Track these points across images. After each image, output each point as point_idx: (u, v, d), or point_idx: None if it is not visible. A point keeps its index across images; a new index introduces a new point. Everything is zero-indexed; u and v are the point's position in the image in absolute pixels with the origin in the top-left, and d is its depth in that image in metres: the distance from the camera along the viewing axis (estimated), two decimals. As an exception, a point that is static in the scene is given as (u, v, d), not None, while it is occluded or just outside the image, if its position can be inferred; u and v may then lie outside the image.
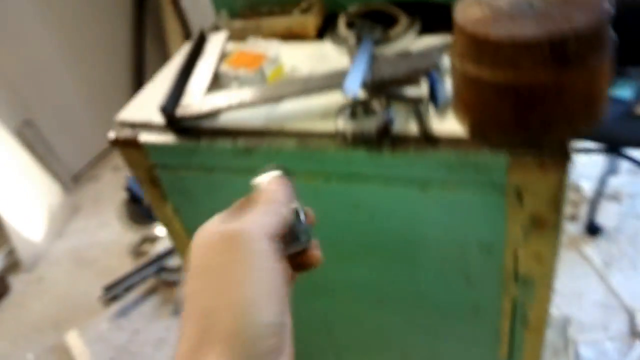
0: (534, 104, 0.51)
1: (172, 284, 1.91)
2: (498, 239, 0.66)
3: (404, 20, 0.80)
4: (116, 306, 1.91)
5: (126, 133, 0.74)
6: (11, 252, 2.18)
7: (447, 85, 0.64)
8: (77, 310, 1.96)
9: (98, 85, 2.47)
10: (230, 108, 0.68)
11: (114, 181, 2.49)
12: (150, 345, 1.76)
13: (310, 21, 0.83)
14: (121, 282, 1.90)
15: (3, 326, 1.99)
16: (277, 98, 0.67)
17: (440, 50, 0.69)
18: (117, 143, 0.75)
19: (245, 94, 0.69)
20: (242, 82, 0.74)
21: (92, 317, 1.92)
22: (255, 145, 0.67)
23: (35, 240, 2.22)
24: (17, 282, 2.16)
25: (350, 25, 0.81)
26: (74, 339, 1.84)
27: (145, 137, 0.72)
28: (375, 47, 0.75)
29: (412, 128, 0.62)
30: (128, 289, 1.90)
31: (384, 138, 0.62)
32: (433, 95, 0.64)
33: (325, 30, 0.85)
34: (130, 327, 1.84)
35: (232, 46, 0.87)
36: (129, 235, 2.17)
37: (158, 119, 0.71)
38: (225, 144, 0.68)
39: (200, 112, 0.69)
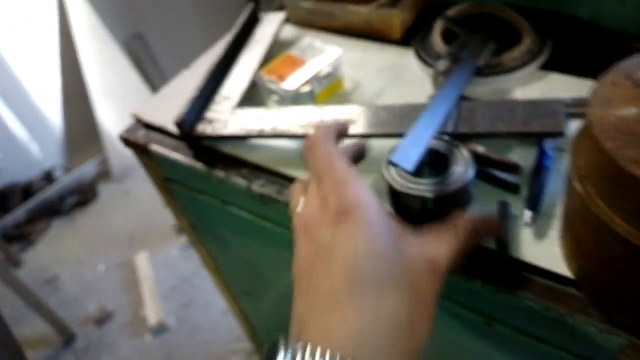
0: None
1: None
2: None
3: (528, 40, 0.55)
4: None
5: (138, 136, 0.61)
6: (104, 161, 2.27)
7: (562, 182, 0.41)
8: (152, 231, 2.01)
9: (211, 2, 2.35)
10: (262, 135, 0.51)
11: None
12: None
13: (396, 18, 0.61)
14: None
15: (85, 231, 2.12)
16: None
17: (567, 114, 0.45)
18: (128, 144, 0.62)
19: (283, 117, 0.51)
20: (282, 98, 0.56)
21: (164, 242, 1.96)
22: (269, 193, 0.50)
23: (129, 153, 2.27)
24: (105, 191, 2.27)
25: (448, 36, 0.58)
26: (142, 260, 1.90)
27: (156, 148, 0.58)
28: (472, 79, 0.52)
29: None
30: (201, 224, 1.92)
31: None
32: (535, 191, 0.42)
33: (416, 31, 0.62)
34: (197, 260, 1.86)
35: (291, 32, 0.68)
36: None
37: (174, 127, 0.56)
38: (239, 181, 0.52)
39: (222, 134, 0.53)
